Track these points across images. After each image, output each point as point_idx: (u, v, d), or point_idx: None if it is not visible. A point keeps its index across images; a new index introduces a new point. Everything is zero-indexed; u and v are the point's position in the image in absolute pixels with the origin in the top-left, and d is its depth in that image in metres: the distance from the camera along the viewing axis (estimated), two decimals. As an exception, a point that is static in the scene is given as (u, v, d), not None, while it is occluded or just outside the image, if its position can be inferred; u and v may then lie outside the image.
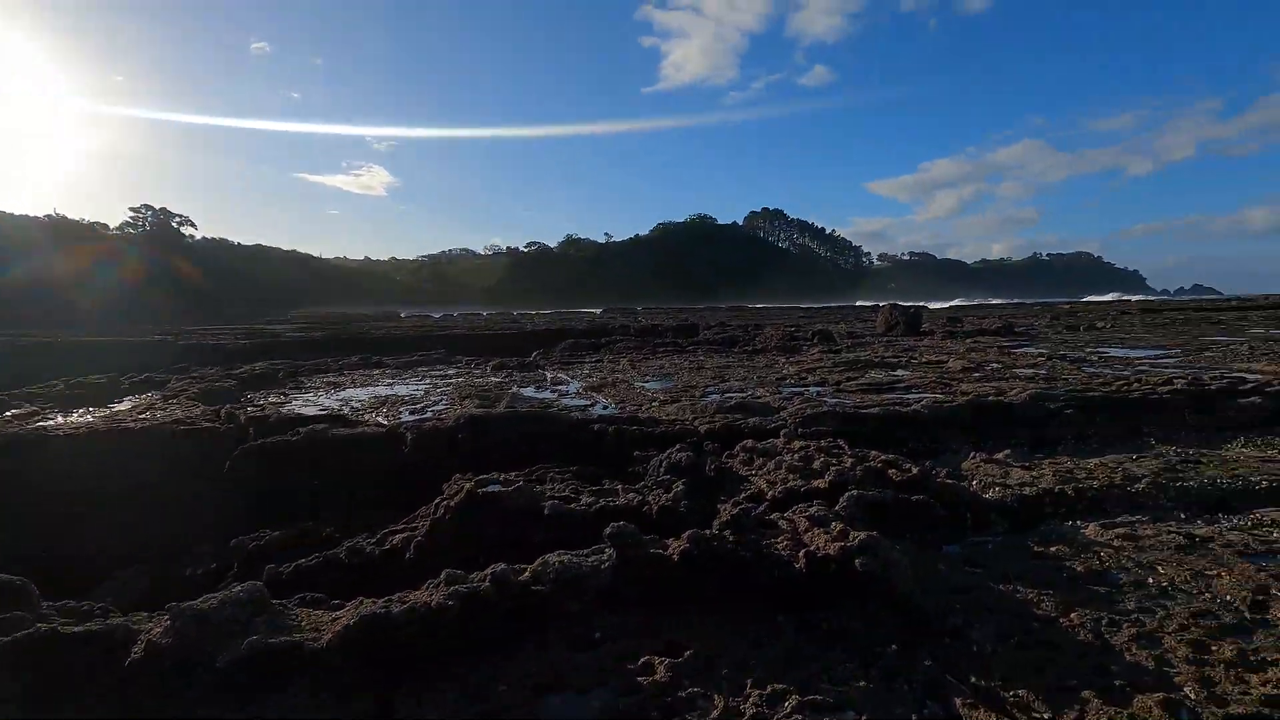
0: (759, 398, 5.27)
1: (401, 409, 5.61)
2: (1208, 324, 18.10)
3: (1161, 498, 3.12)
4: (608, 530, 2.06)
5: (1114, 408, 4.85)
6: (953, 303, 67.01)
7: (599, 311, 47.10)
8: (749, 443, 3.48)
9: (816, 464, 3.07)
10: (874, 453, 3.45)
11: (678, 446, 3.40)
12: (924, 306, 45.06)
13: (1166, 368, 8.08)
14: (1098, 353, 10.47)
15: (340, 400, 6.27)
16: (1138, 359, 9.37)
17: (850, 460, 3.07)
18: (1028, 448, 4.31)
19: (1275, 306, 27.66)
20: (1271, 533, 2.56)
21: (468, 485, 2.60)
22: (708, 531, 2.13)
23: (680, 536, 2.12)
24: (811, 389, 6.17)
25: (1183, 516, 2.89)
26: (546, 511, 2.46)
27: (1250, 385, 5.78)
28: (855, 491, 2.61)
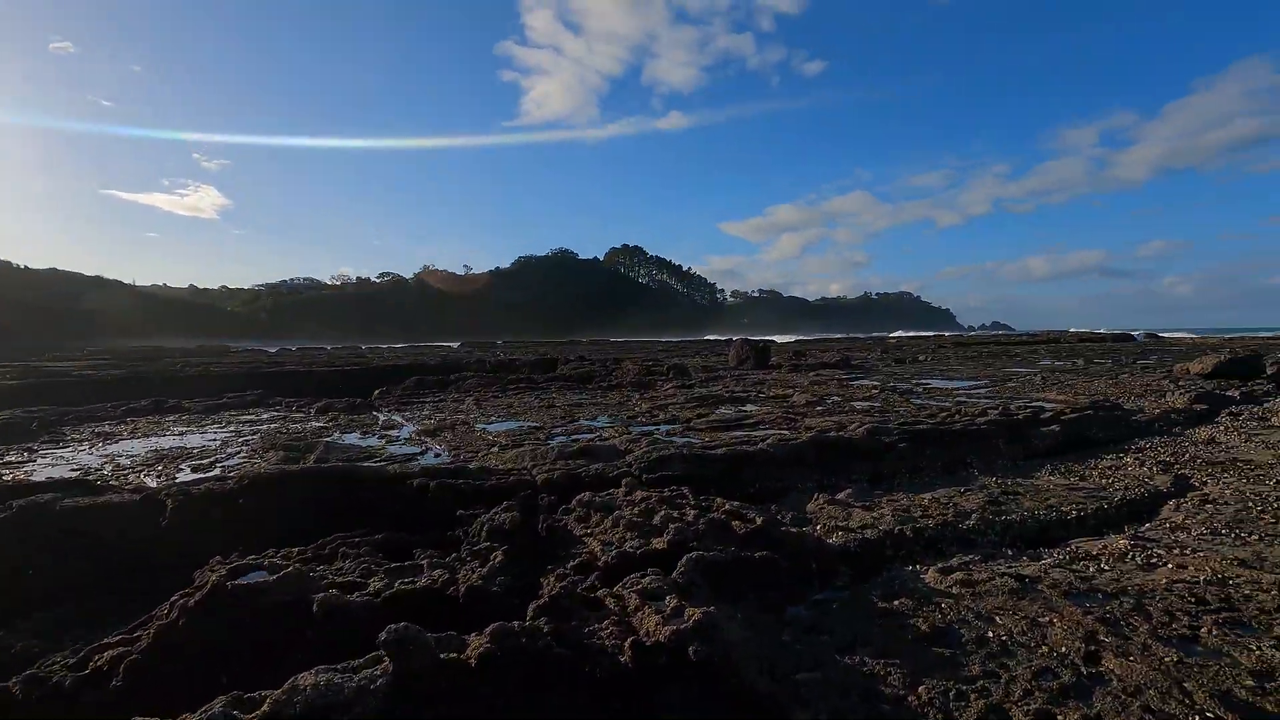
0: (606, 439, 4.97)
1: (182, 466, 4.68)
2: (1007, 357, 20.56)
3: (990, 533, 3.16)
4: (383, 636, 1.60)
5: (941, 439, 5.07)
6: (797, 337, 71.89)
7: (456, 345, 45.23)
8: (587, 495, 3.13)
9: (658, 518, 2.78)
10: (720, 500, 3.23)
11: (504, 505, 2.98)
12: (772, 340, 47.84)
13: (980, 398, 8.85)
14: (922, 384, 11.36)
15: (106, 457, 5.15)
16: (956, 390, 10.24)
17: (693, 513, 2.82)
18: (868, 483, 4.34)
19: (1055, 340, 32.31)
20: (1088, 567, 2.60)
21: (214, 576, 2.02)
22: (517, 624, 1.74)
23: (484, 632, 1.71)
24: (662, 427, 5.99)
25: (1010, 553, 2.91)
26: (315, 607, 1.94)
27: (1049, 414, 6.36)
28: (695, 553, 2.33)
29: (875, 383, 11.54)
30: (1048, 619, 2.12)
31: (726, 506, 2.98)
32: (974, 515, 3.29)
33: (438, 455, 4.88)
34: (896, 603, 2.31)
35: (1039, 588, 2.37)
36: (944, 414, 6.36)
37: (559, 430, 5.82)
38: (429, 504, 3.36)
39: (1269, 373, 10.98)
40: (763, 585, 2.38)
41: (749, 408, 7.39)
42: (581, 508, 3.05)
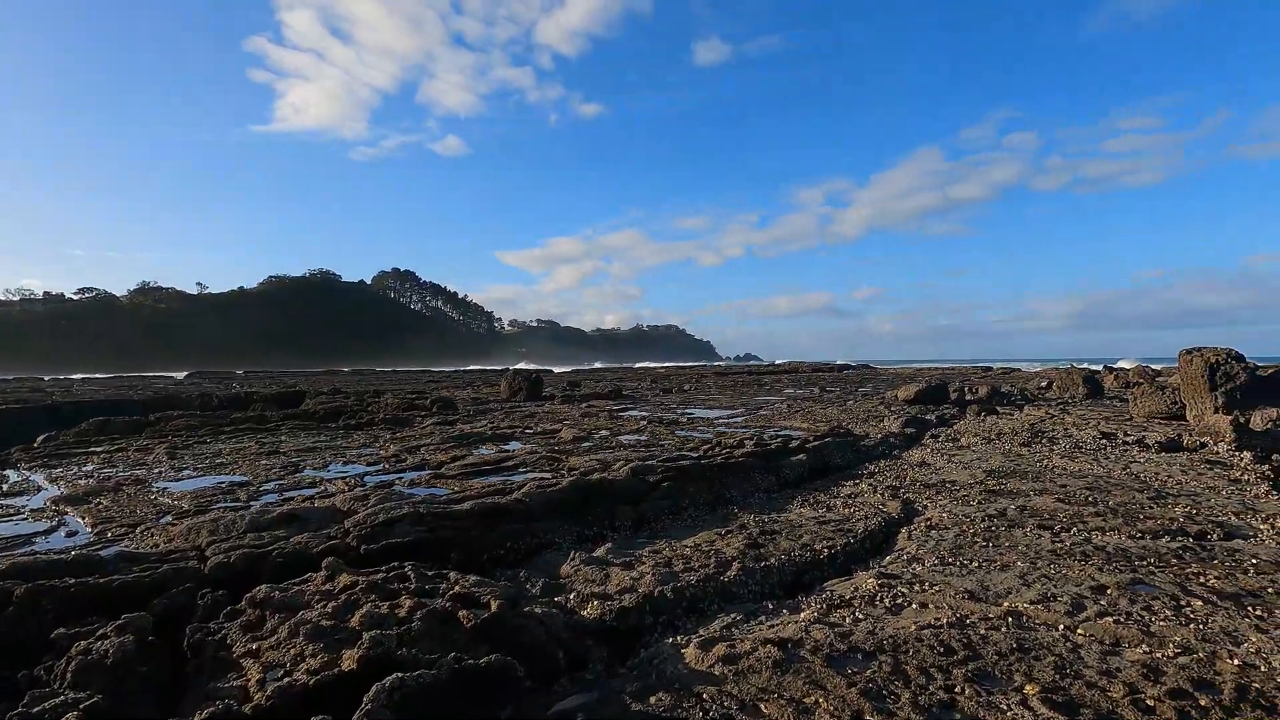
0: (328, 496, 4.07)
1: None
2: (758, 385, 22.60)
3: (750, 583, 2.97)
4: None
5: (703, 475, 4.98)
6: (575, 367, 73.07)
7: (182, 377, 37.99)
8: (263, 590, 2.32)
9: (358, 617, 2.09)
10: (455, 577, 2.62)
11: (124, 618, 2.06)
12: (549, 370, 47.83)
13: (738, 427, 9.28)
14: (687, 414, 11.76)
15: None
16: (716, 419, 10.72)
17: (409, 603, 2.18)
18: (631, 529, 4.03)
19: (795, 370, 36.61)
20: (844, 618, 2.47)
21: None
22: None
23: None
24: (407, 475, 5.17)
25: (770, 607, 2.71)
26: None
27: (796, 442, 6.73)
28: (394, 677, 1.71)
29: (644, 414, 11.68)
30: (813, 699, 1.87)
31: (458, 588, 2.38)
32: (735, 564, 3.08)
33: (72, 534, 3.56)
34: (654, 699, 1.91)
35: (802, 654, 2.14)
36: (705, 446, 6.41)
37: (271, 486, 4.71)
38: (9, 622, 2.27)
39: (952, 398, 13.21)
40: (491, 702, 1.83)
41: (513, 446, 6.83)
42: (254, 608, 2.23)
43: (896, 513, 4.19)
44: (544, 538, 3.69)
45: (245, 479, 5.06)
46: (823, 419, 10.27)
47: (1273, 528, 3.63)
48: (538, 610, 2.34)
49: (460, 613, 2.13)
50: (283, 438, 7.73)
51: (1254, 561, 2.99)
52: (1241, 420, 7.43)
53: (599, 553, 3.28)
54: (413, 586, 2.37)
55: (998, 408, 11.91)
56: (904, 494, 4.78)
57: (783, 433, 8.29)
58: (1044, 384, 17.39)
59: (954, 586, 2.76)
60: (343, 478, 5.03)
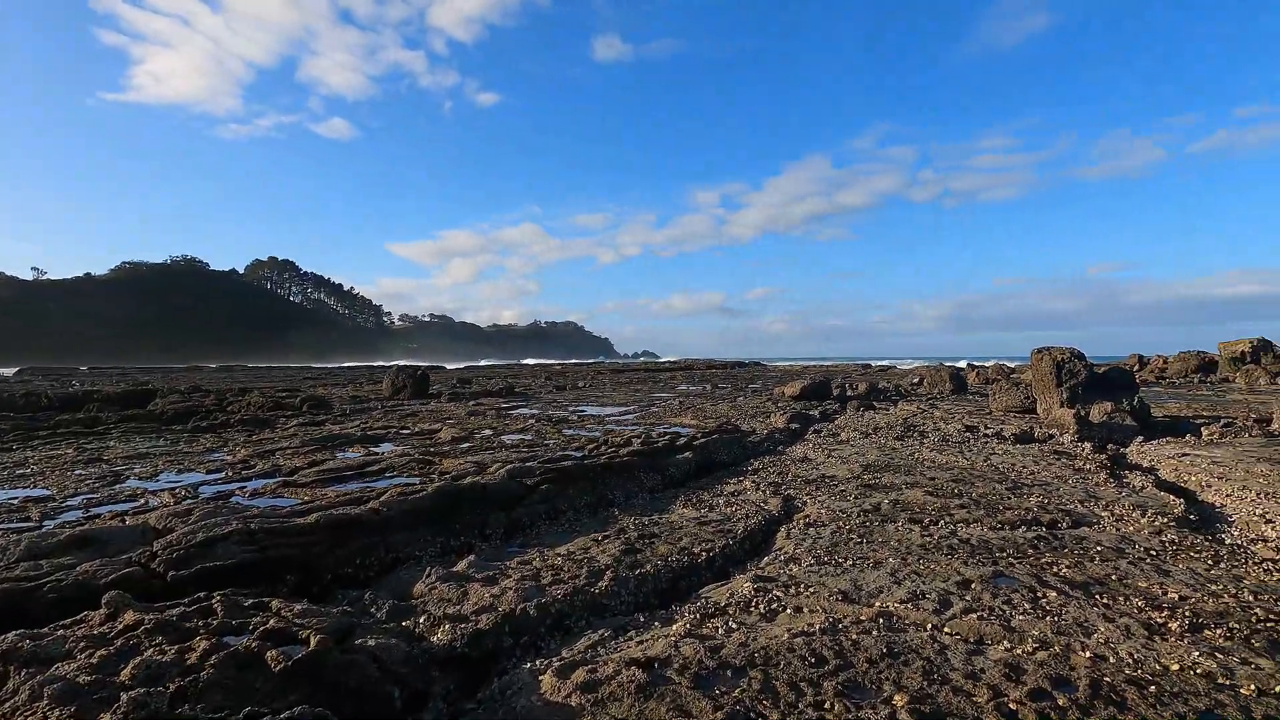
0: (144, 512, 3.49)
1: None
2: (653, 382, 22.72)
3: (623, 593, 2.77)
4: None
5: (585, 476, 4.76)
6: (468, 363, 70.88)
7: (11, 374, 33.25)
8: (10, 639, 1.85)
9: (129, 669, 1.70)
10: (277, 605, 2.25)
11: None
12: (441, 367, 46.04)
13: (628, 424, 9.15)
14: (578, 411, 11.52)
15: None
16: (608, 416, 10.55)
17: (204, 646, 1.80)
18: (503, 537, 3.74)
19: (690, 367, 37.24)
20: (717, 629, 2.32)
21: None
22: None
23: None
24: (253, 483, 4.60)
25: (642, 619, 2.53)
26: None
27: (684, 440, 6.66)
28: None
29: (534, 412, 11.33)
30: (676, 728, 1.69)
31: (274, 621, 2.02)
32: (608, 573, 2.88)
33: None
34: (497, 743, 1.66)
35: (668, 675, 1.96)
36: (591, 446, 6.20)
37: (78, 502, 4.01)
38: None
39: (835, 394, 13.77)
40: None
41: (384, 448, 6.31)
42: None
43: (777, 510, 4.16)
44: (402, 551, 3.33)
45: (47, 493, 4.30)
46: (712, 415, 10.34)
47: (1112, 514, 3.88)
48: (372, 642, 2.02)
49: (269, 654, 1.78)
50: (112, 443, 6.77)
51: (1099, 549, 3.14)
52: (1083, 413, 8.13)
53: (460, 567, 2.98)
54: (216, 623, 1.98)
55: (875, 403, 12.53)
56: (785, 490, 4.78)
57: (672, 430, 8.23)
58: (916, 381, 18.57)
59: (829, 587, 2.70)
60: (172, 489, 4.39)
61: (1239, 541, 3.49)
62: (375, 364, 65.44)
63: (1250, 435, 7.55)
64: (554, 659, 2.16)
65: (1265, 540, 3.51)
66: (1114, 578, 2.74)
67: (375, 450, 6.16)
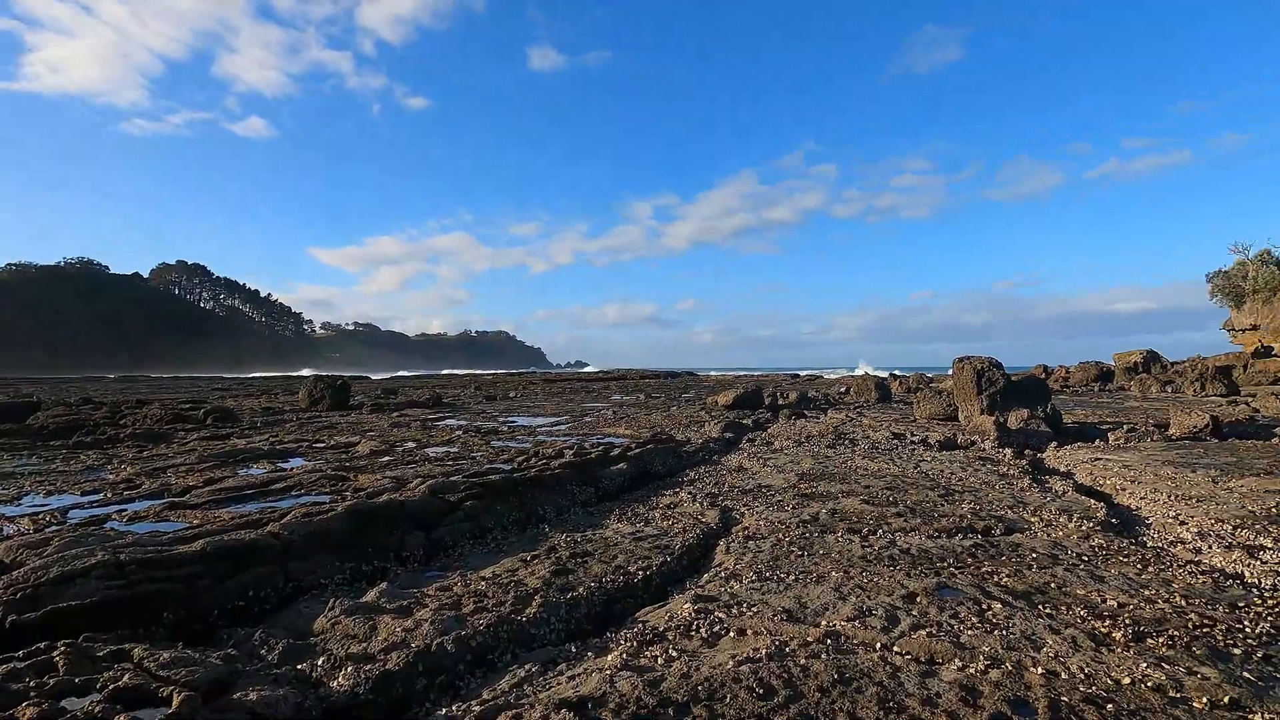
0: (-6, 544, 3.00)
1: None
2: (586, 392, 22.44)
3: (553, 621, 2.54)
4: None
5: (514, 490, 4.48)
6: (395, 374, 68.44)
7: None
8: None
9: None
10: (139, 651, 1.90)
11: None
12: (366, 377, 44.19)
13: (560, 435, 8.88)
14: (509, 422, 11.14)
15: None
16: (539, 427, 10.23)
17: (30, 714, 1.46)
18: (421, 560, 3.43)
19: (624, 377, 37.14)
20: (656, 658, 2.13)
21: None
22: None
23: None
24: (136, 505, 4.09)
25: (574, 650, 2.30)
26: None
27: (618, 450, 6.46)
28: None
29: (462, 423, 10.88)
30: (612, 783, 1.47)
31: (128, 677, 1.68)
32: (537, 598, 2.64)
33: None
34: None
35: (603, 716, 1.74)
36: (521, 458, 5.91)
37: (-87, 531, 3.44)
38: None
39: (766, 403, 13.89)
40: None
41: (294, 464, 5.82)
42: None
43: (715, 523, 4.01)
44: (305, 580, 2.98)
45: (-123, 522, 3.67)
46: (646, 425, 10.19)
47: (1041, 520, 3.92)
48: (255, 695, 1.72)
49: None
50: (-27, 462, 5.98)
51: (1034, 556, 3.13)
52: (1001, 420, 8.43)
53: (370, 596, 2.67)
54: (54, 682, 1.63)
55: (806, 412, 12.71)
56: (723, 502, 4.65)
57: (605, 440, 8.02)
58: (843, 389, 19.04)
59: (772, 606, 2.55)
60: (35, 514, 3.84)
61: (1160, 544, 3.57)
62: (295, 374, 62.14)
63: (1152, 440, 8.00)
64: (474, 702, 1.92)
65: (1182, 542, 3.60)
66: (1053, 585, 2.71)
67: (283, 466, 5.66)
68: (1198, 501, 4.39)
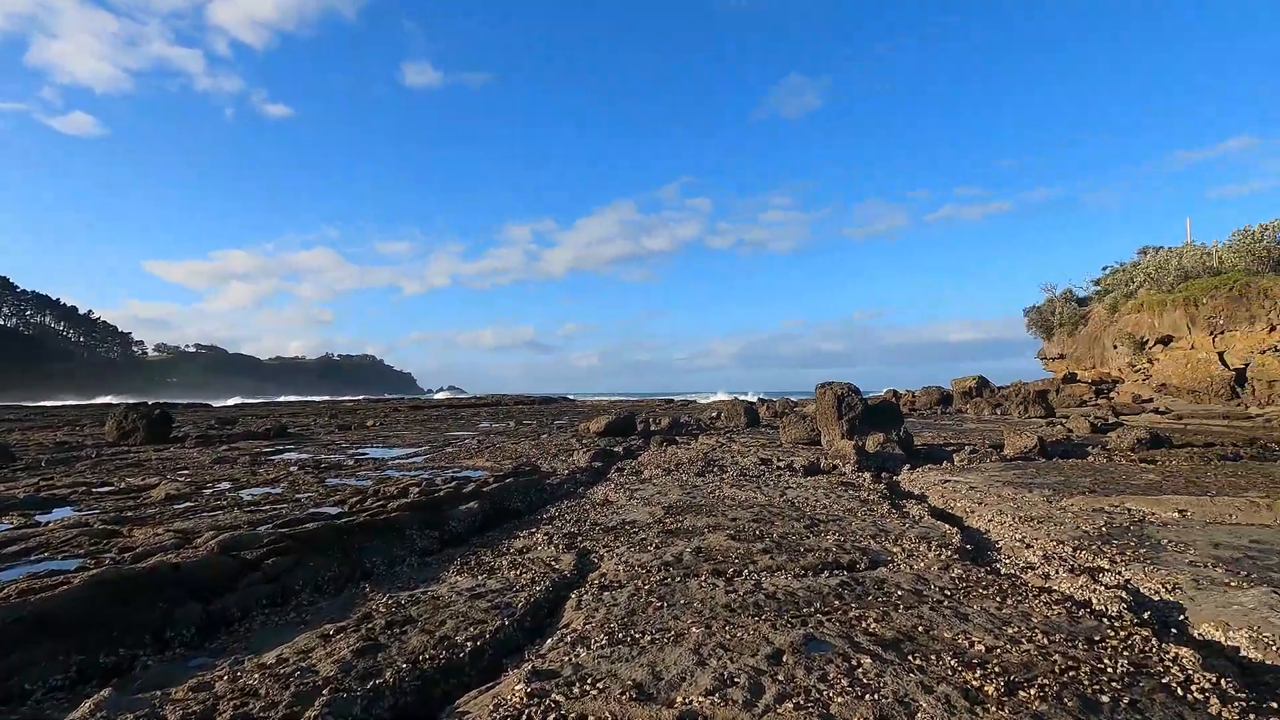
0: None
1: None
2: (455, 420, 21.26)
3: (345, 722, 1.98)
4: None
5: (335, 541, 3.81)
6: (241, 399, 62.03)
7: None
8: None
9: None
10: None
11: None
12: (205, 405, 39.59)
13: (414, 469, 8.07)
14: (360, 454, 10.09)
15: None
16: (392, 460, 9.31)
17: None
18: (189, 643, 2.70)
19: (497, 403, 35.84)
20: (468, 771, 1.65)
21: None
22: None
23: None
24: None
25: (362, 767, 1.77)
26: None
27: (473, 485, 5.86)
28: None
29: (302, 456, 9.72)
30: None
31: None
32: (325, 692, 2.07)
33: None
34: None
35: None
36: (357, 498, 5.18)
37: None
38: None
39: (639, 429, 13.69)
40: None
41: (56, 515, 4.72)
42: None
43: (570, 570, 3.58)
44: (7, 685, 2.21)
45: None
46: (512, 455, 9.59)
47: (903, 549, 3.84)
48: None
49: None
50: None
51: (900, 594, 2.97)
52: (860, 444, 8.68)
53: (82, 711, 1.97)
54: None
55: (678, 437, 12.61)
56: (582, 542, 4.23)
57: (463, 474, 7.37)
58: (715, 414, 19.33)
59: (621, 679, 2.15)
60: None
61: (1011, 570, 3.57)
62: (116, 400, 54.47)
63: (991, 460, 8.54)
64: None
65: (1031, 567, 3.63)
66: (921, 629, 2.53)
67: (39, 519, 4.56)
68: (1038, 523, 4.55)
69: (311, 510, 4.74)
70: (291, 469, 7.88)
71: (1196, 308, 22.87)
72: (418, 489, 5.53)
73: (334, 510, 4.72)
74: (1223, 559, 3.48)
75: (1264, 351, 20.55)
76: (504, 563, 3.74)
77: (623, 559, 3.72)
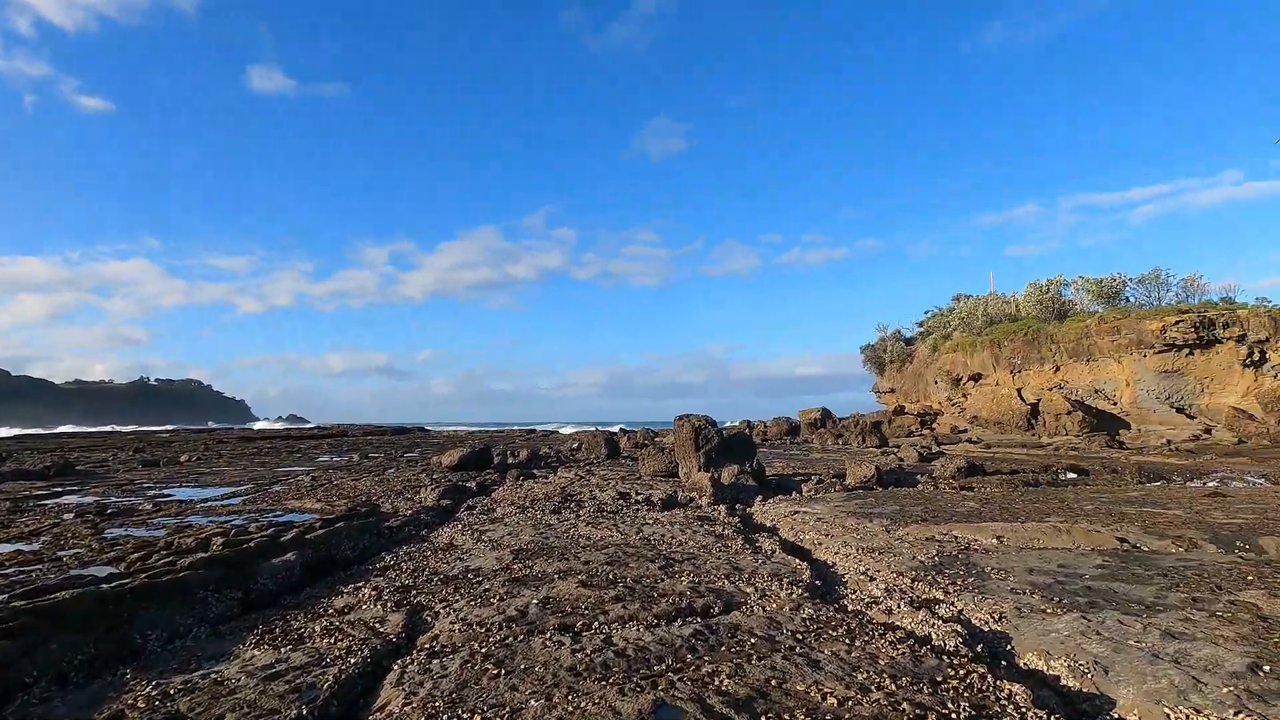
0: None
1: None
2: (289, 453, 19.25)
3: None
4: None
5: (95, 614, 3.08)
6: (22, 431, 52.48)
7: None
8: None
9: None
10: None
11: None
12: (-34, 437, 32.98)
13: (225, 513, 7.04)
14: (162, 496, 8.70)
15: None
16: (203, 501, 8.09)
17: None
18: None
19: (343, 434, 33.12)
20: None
21: None
22: None
23: None
24: None
25: None
26: None
27: (294, 533, 5.15)
28: None
29: (86, 500, 8.22)
30: None
31: None
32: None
33: None
34: None
35: None
36: (140, 554, 4.33)
37: None
38: None
39: (496, 462, 13.09)
40: None
41: None
42: None
43: (396, 633, 3.13)
44: None
45: None
46: (350, 494, 8.70)
47: (756, 589, 3.78)
48: None
49: None
50: None
51: (753, 642, 2.86)
52: (716, 476, 8.78)
53: None
54: None
55: (535, 471, 12.18)
56: (416, 597, 3.77)
57: (285, 517, 6.52)
58: (575, 445, 19.05)
59: (440, 778, 1.80)
60: None
61: (858, 606, 3.61)
62: None
63: (835, 490, 8.98)
64: None
65: (875, 601, 3.70)
66: (774, 683, 2.41)
67: None
68: (879, 554, 4.71)
69: (74, 572, 3.88)
70: (65, 517, 6.57)
71: (1000, 349, 26.11)
72: (223, 539, 4.75)
73: (106, 571, 3.89)
74: (1038, 585, 3.73)
75: (1051, 389, 23.79)
76: (317, 628, 3.21)
77: (460, 616, 3.32)
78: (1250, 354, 20.08)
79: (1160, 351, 21.36)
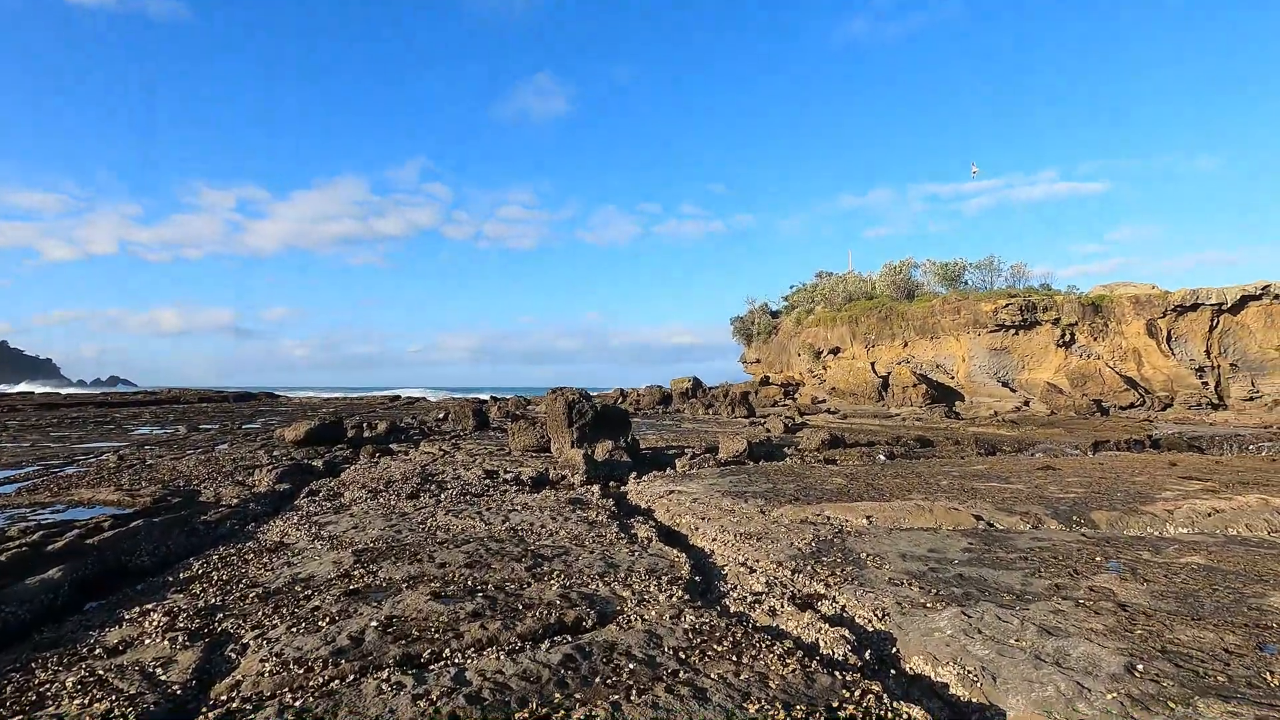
0: None
1: None
2: (99, 425, 16.61)
3: None
4: None
5: None
6: None
7: None
8: None
9: None
10: None
11: None
12: None
13: (-15, 508, 5.68)
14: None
15: None
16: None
17: None
18: None
19: (174, 401, 29.34)
20: None
21: None
22: None
23: None
24: None
25: None
26: None
27: (68, 539, 4.17)
28: None
29: None
30: None
31: None
32: None
33: None
34: None
35: None
36: None
37: None
38: None
39: (349, 436, 11.94)
40: None
41: None
42: None
43: (184, 680, 2.46)
44: None
45: None
46: (164, 478, 7.44)
47: (633, 592, 3.44)
48: None
49: None
50: None
51: (631, 668, 2.50)
52: (590, 453, 8.42)
53: None
54: None
55: (393, 445, 11.22)
56: (222, 621, 3.07)
57: (67, 513, 5.37)
58: (441, 415, 18.00)
59: None
60: None
61: (739, 607, 3.38)
62: None
63: (709, 466, 8.93)
64: None
65: (757, 599, 3.49)
66: (656, 727, 2.05)
67: None
68: (757, 540, 4.56)
69: None
70: None
71: (857, 325, 27.79)
72: (-40, 552, 3.70)
73: None
74: (913, 573, 3.69)
75: (900, 363, 25.70)
76: (69, 682, 2.45)
77: (275, 650, 2.69)
78: (1063, 335, 22.75)
79: (992, 331, 23.68)
